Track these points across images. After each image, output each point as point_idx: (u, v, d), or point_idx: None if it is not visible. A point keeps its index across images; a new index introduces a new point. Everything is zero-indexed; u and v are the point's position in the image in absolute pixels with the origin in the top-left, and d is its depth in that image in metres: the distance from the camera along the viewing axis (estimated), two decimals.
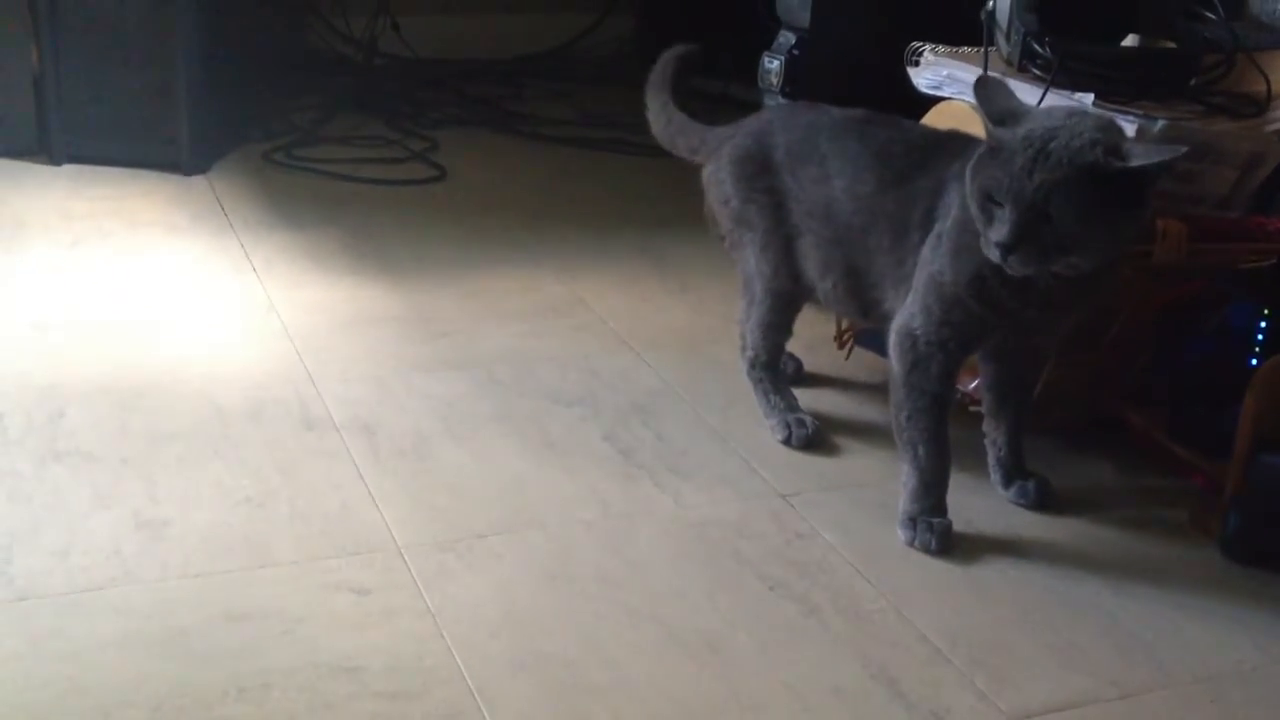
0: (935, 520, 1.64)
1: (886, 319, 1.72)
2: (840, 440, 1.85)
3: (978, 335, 1.64)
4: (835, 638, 1.43)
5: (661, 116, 2.05)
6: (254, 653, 1.33)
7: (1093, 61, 1.89)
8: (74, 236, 2.39)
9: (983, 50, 1.95)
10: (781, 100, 2.57)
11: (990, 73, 1.91)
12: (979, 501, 1.72)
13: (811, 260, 1.81)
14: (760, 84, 2.62)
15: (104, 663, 1.30)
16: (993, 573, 1.57)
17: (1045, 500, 1.72)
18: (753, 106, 2.66)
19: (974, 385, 1.80)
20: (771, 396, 1.89)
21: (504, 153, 3.10)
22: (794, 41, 2.55)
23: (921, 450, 1.64)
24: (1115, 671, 1.40)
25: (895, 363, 1.66)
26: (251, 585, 1.44)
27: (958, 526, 1.65)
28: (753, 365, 1.91)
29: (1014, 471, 1.74)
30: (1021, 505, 1.72)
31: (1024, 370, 1.74)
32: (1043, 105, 1.68)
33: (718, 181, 1.91)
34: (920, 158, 1.71)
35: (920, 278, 1.64)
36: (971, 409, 1.82)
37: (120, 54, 2.69)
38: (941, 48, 2.06)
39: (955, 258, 1.59)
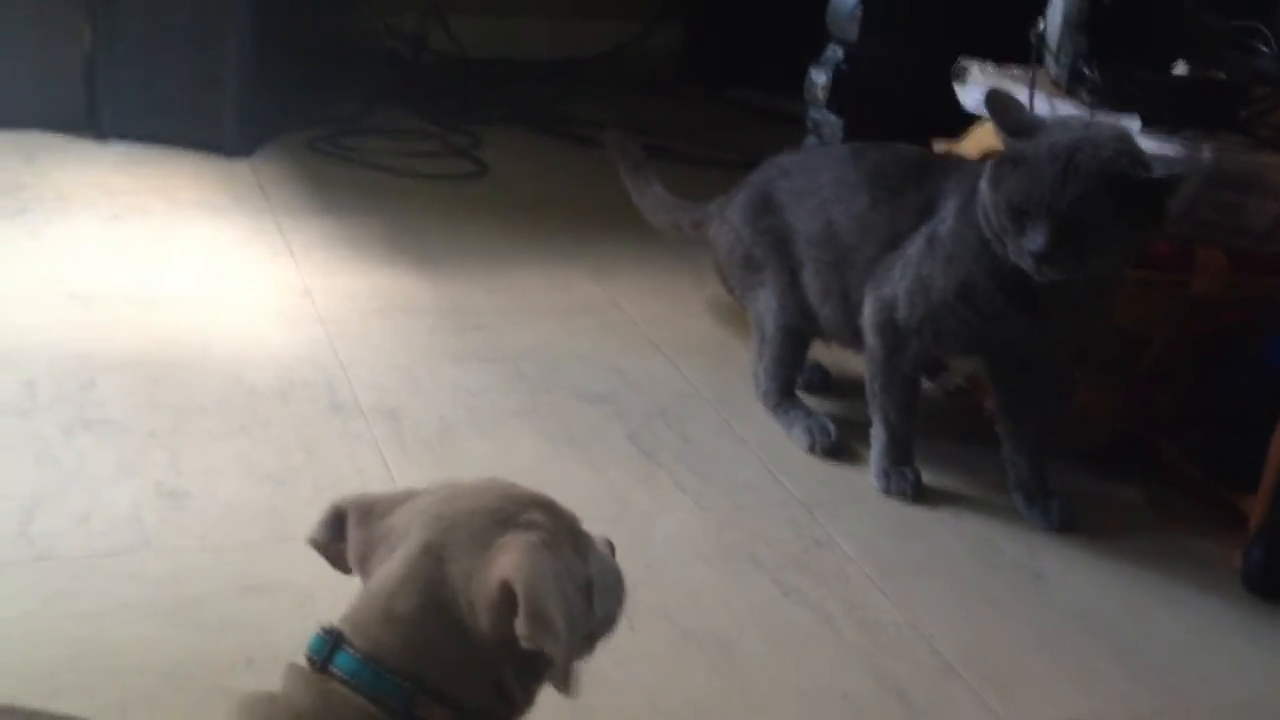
0: (906, 469, 1.75)
1: None
2: (862, 453, 1.84)
3: (963, 340, 1.71)
4: (848, 646, 1.42)
5: (658, 207, 2.20)
6: (267, 625, 1.33)
7: (1141, 87, 1.87)
8: (114, 211, 2.41)
9: (1030, 70, 1.94)
10: (828, 114, 2.56)
11: (1036, 93, 1.91)
12: (1000, 520, 1.71)
13: (813, 289, 1.87)
14: (806, 97, 2.61)
15: (118, 626, 1.31)
16: (1010, 591, 1.56)
17: (1067, 522, 1.71)
18: (798, 119, 2.66)
19: None
20: (791, 412, 1.90)
21: (546, 153, 3.11)
22: (842, 55, 2.54)
23: (893, 416, 1.76)
24: (1128, 696, 1.39)
25: (873, 339, 1.75)
26: (268, 560, 1.44)
27: (979, 545, 1.64)
28: (766, 398, 1.94)
29: (1036, 493, 1.73)
30: (1043, 527, 1.71)
31: (1037, 394, 1.74)
32: (1054, 116, 1.70)
33: (724, 231, 1.99)
34: (913, 174, 1.78)
35: (909, 266, 1.70)
36: (998, 428, 1.81)
37: (171, 35, 2.71)
38: (989, 66, 2.05)
39: (947, 266, 1.65)
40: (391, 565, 0.94)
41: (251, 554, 1.45)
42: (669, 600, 1.47)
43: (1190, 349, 1.79)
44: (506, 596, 0.88)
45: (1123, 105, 1.86)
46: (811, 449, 1.84)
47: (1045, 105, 1.91)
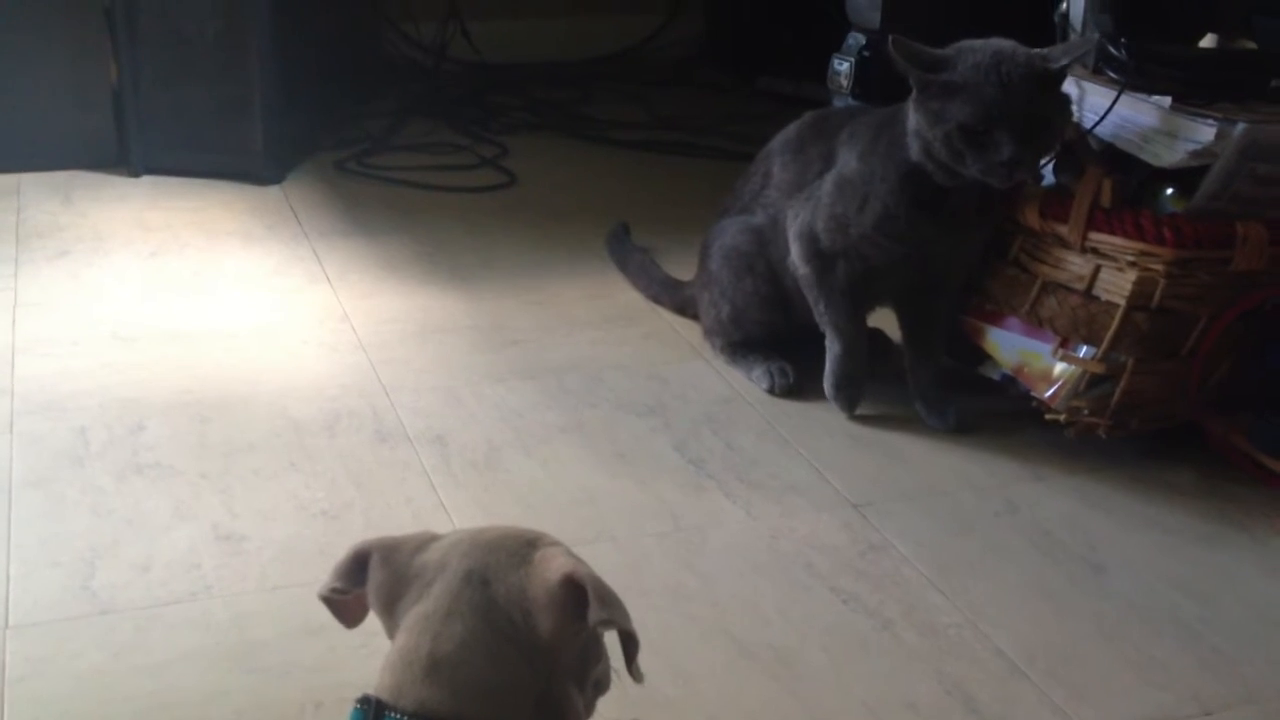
0: (854, 388, 1.89)
1: None
2: (911, 448, 1.83)
3: (885, 263, 1.83)
4: (910, 652, 1.42)
5: (664, 290, 2.28)
6: (331, 667, 1.35)
7: (1169, 63, 1.85)
8: (152, 247, 2.43)
9: None
10: (851, 101, 2.55)
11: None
12: (1055, 511, 1.70)
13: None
14: (829, 86, 2.60)
15: (184, 676, 1.33)
16: (1071, 585, 1.55)
17: (962, 424, 1.88)
18: (822, 106, 2.65)
19: (1050, 393, 1.78)
20: (749, 355, 2.03)
21: (573, 157, 3.11)
22: (864, 43, 2.53)
23: (843, 323, 1.87)
24: (1197, 687, 1.38)
25: (804, 268, 1.89)
26: None
27: (1035, 538, 1.63)
28: (724, 345, 2.07)
29: (934, 400, 1.89)
30: (941, 429, 1.88)
31: (939, 312, 1.89)
32: (955, 45, 1.78)
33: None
34: (816, 131, 1.93)
35: (821, 205, 1.83)
36: (1048, 417, 1.80)
37: (197, 66, 2.74)
38: None
39: (863, 204, 1.79)
40: (429, 603, 0.95)
41: (311, 594, 1.44)
42: (726, 614, 1.47)
43: (1237, 326, 1.77)
44: (572, 590, 0.93)
45: (1151, 83, 1.83)
46: (771, 390, 1.98)
47: (1073, 86, 1.89)
